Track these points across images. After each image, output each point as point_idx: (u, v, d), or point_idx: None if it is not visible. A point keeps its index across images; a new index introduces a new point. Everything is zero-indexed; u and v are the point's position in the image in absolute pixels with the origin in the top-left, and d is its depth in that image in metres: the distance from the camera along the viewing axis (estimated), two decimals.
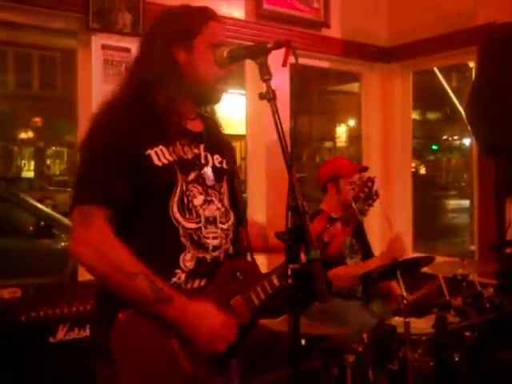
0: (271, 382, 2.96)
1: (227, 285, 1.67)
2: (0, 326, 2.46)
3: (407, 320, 2.38)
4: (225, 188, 1.76)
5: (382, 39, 4.36)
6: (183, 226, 1.62)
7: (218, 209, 1.71)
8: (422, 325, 2.60)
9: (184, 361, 1.55)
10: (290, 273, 1.53)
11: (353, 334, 2.51)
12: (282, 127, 1.40)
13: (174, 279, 1.60)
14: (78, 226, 1.53)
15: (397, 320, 2.61)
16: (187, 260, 1.61)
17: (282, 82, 3.54)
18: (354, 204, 1.85)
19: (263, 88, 1.47)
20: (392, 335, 2.51)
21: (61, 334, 2.56)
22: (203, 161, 1.72)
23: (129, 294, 1.51)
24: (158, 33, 1.71)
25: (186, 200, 1.63)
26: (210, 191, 1.70)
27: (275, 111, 1.42)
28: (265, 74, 1.45)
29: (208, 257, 1.65)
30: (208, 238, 1.66)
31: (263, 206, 3.67)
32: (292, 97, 3.61)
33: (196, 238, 1.64)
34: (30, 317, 2.52)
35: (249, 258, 1.80)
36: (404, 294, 2.45)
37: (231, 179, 1.80)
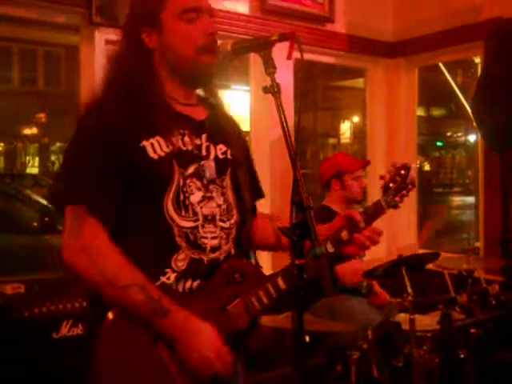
0: (275, 380, 2.95)
1: (224, 288, 1.55)
2: (3, 321, 2.45)
3: (412, 317, 2.36)
4: (228, 181, 1.63)
5: (387, 34, 4.33)
6: (178, 225, 1.51)
7: (219, 206, 1.59)
8: (427, 321, 2.59)
9: (173, 369, 1.46)
10: (298, 274, 1.42)
11: (358, 331, 2.50)
12: (286, 121, 1.37)
13: (164, 278, 1.50)
14: (69, 230, 1.46)
15: (402, 316, 2.60)
16: (179, 260, 1.51)
17: (285, 77, 3.53)
18: (382, 196, 1.65)
19: (267, 83, 1.44)
20: (397, 332, 2.49)
21: (64, 330, 2.55)
22: (204, 152, 1.60)
23: (122, 306, 1.45)
24: (126, 21, 1.61)
25: (182, 196, 1.52)
26: (210, 186, 1.58)
27: (280, 105, 1.39)
28: (269, 66, 1.42)
29: (205, 258, 1.54)
30: (206, 237, 1.55)
31: (267, 202, 3.65)
32: (296, 92, 3.59)
33: (192, 238, 1.53)
34: (33, 313, 2.51)
35: (252, 258, 1.68)
36: (409, 290, 2.43)
37: (236, 171, 1.66)
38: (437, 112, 18.34)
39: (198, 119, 1.63)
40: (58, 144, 19.01)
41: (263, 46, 1.46)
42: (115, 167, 1.47)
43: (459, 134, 20.67)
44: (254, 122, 3.78)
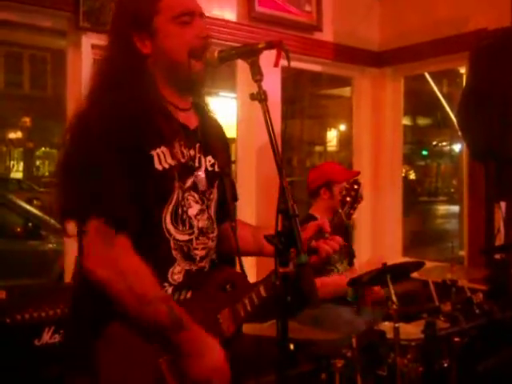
0: None
1: (217, 297, 1.60)
2: None
3: (397, 325, 2.36)
4: (214, 194, 1.66)
5: (374, 44, 4.36)
6: (174, 238, 1.53)
7: (209, 218, 1.62)
8: (412, 330, 2.59)
9: (170, 381, 1.48)
10: (278, 282, 1.44)
11: (342, 339, 2.49)
12: (273, 128, 1.37)
13: None
14: (99, 241, 1.41)
15: (386, 325, 2.60)
16: (176, 273, 1.54)
17: (273, 84, 3.53)
18: (340, 209, 1.79)
19: (254, 90, 1.44)
20: (381, 340, 2.49)
21: (46, 337, 2.52)
22: (197, 164, 1.61)
23: (144, 319, 1.43)
24: (115, 26, 1.59)
25: (180, 210, 1.53)
26: (203, 198, 1.61)
27: (266, 112, 1.39)
28: (256, 74, 1.42)
29: (194, 268, 1.58)
30: (197, 248, 1.58)
31: (253, 210, 3.64)
32: (283, 100, 3.60)
33: (186, 250, 1.55)
34: (15, 319, 2.48)
35: (237, 265, 1.72)
36: (394, 298, 2.43)
37: (221, 183, 1.68)
38: (422, 121, 18.49)
39: (191, 128, 1.62)
40: (43, 149, 18.88)
41: (250, 54, 1.46)
42: (132, 176, 1.43)
43: (444, 144, 20.86)
44: (240, 129, 3.77)
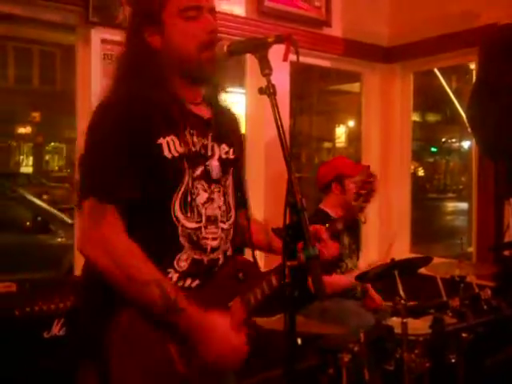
0: (266, 382, 2.94)
1: (229, 286, 1.62)
2: None
3: (405, 320, 2.36)
4: (230, 181, 1.69)
5: (383, 39, 4.34)
6: (183, 225, 1.55)
7: (219, 207, 1.63)
8: (419, 325, 2.59)
9: (178, 364, 1.50)
10: (288, 272, 1.48)
11: (350, 334, 2.50)
12: (281, 122, 1.38)
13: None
14: (89, 222, 1.46)
15: (394, 320, 2.60)
16: (182, 260, 1.55)
17: (281, 80, 3.53)
18: (354, 202, 1.81)
19: (263, 84, 1.44)
20: (389, 335, 2.49)
21: (55, 330, 2.54)
22: (210, 152, 1.63)
23: (137, 301, 1.45)
24: (129, 22, 1.64)
25: (189, 198, 1.55)
26: (213, 187, 1.62)
27: (275, 106, 1.39)
28: (265, 68, 1.42)
29: (205, 258, 1.59)
30: (207, 238, 1.59)
31: (261, 205, 3.65)
32: (292, 96, 3.59)
33: (195, 239, 1.57)
34: (24, 312, 2.50)
35: (249, 255, 1.74)
36: (401, 294, 2.43)
37: (237, 170, 1.72)
38: (431, 117, 18.42)
39: (205, 117, 1.65)
40: (52, 143, 18.97)
41: (259, 48, 1.46)
42: (137, 163, 1.48)
43: (453, 140, 20.77)
44: (248, 124, 3.77)
